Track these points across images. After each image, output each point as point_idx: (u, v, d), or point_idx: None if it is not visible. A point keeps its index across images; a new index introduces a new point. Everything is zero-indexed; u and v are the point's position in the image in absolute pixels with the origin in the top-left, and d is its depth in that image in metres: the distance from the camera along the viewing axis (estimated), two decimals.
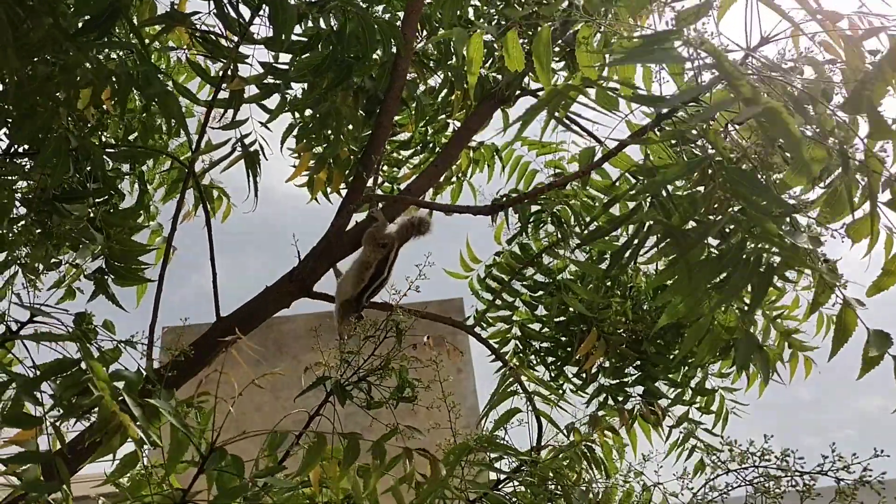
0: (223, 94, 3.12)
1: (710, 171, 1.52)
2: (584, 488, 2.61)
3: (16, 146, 2.96)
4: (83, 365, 1.89)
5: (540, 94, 3.68)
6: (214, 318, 3.13)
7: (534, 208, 3.66)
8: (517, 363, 3.54)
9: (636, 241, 1.67)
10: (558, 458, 2.81)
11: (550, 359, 3.71)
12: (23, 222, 2.88)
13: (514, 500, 2.66)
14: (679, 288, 1.81)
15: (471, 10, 3.65)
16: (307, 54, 2.99)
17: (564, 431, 2.79)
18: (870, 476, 2.12)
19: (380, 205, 3.31)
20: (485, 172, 4.16)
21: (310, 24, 2.98)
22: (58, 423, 1.97)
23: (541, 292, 3.72)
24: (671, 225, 1.58)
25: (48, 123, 2.55)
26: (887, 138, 1.60)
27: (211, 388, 2.43)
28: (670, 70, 1.85)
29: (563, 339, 3.65)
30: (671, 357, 3.43)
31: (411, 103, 3.61)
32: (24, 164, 2.96)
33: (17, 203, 2.86)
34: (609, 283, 3.45)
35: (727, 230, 1.60)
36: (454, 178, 4.12)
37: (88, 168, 2.90)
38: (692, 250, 1.58)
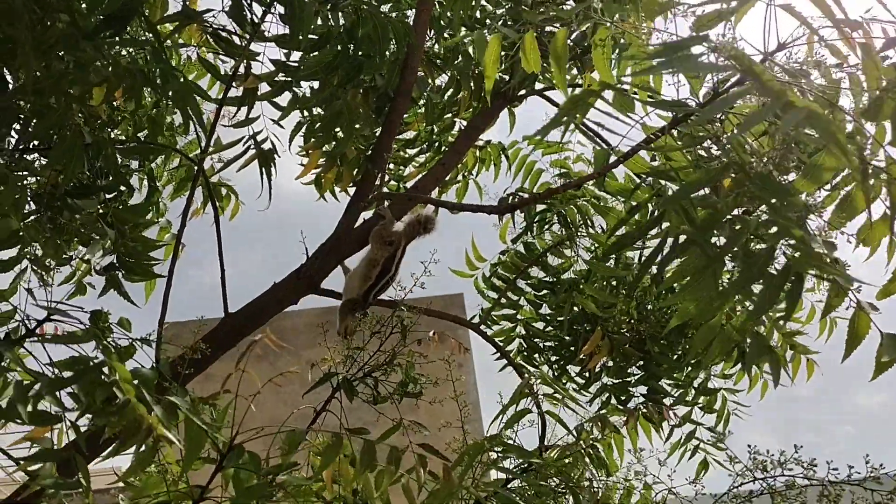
0: (233, 92, 3.14)
1: (732, 177, 1.54)
2: (593, 489, 2.63)
3: (26, 143, 2.96)
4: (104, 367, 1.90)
5: (546, 94, 3.71)
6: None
7: (539, 208, 3.69)
8: (523, 363, 3.58)
9: (664, 252, 1.68)
10: (562, 458, 2.84)
11: (554, 357, 3.74)
12: (33, 218, 2.88)
13: (519, 499, 2.68)
14: (692, 290, 1.84)
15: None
16: (317, 52, 3.01)
17: (574, 433, 2.81)
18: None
19: (386, 202, 3.33)
20: (490, 171, 4.17)
21: (319, 21, 2.99)
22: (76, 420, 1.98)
23: (545, 291, 3.75)
24: (698, 235, 1.60)
25: (61, 120, 2.56)
26: None
27: (218, 385, 2.45)
28: (687, 74, 1.87)
29: (567, 338, 3.68)
30: (675, 357, 3.45)
31: (421, 101, 3.62)
32: (34, 160, 2.97)
33: (28, 199, 2.87)
34: (615, 283, 3.48)
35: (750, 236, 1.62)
36: (460, 177, 4.14)
37: (99, 164, 2.91)
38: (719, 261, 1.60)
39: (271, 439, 2.26)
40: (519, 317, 3.80)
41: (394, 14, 3.46)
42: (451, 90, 3.73)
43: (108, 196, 3.09)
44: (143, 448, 1.84)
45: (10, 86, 2.72)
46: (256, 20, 2.88)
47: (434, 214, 3.32)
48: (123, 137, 3.34)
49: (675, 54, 1.43)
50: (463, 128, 3.83)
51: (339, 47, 2.99)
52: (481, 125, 3.71)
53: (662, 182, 2.00)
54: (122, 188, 3.12)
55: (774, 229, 1.71)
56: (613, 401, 3.54)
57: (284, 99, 3.21)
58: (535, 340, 3.76)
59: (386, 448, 2.35)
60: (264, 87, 3.16)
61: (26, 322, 2.40)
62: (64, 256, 2.97)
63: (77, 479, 1.96)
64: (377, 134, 3.43)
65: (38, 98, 2.45)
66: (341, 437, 2.20)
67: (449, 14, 3.32)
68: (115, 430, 1.91)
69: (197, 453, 2.08)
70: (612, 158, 2.13)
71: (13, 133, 2.88)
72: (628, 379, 3.58)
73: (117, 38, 2.43)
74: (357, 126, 3.28)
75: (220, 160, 3.47)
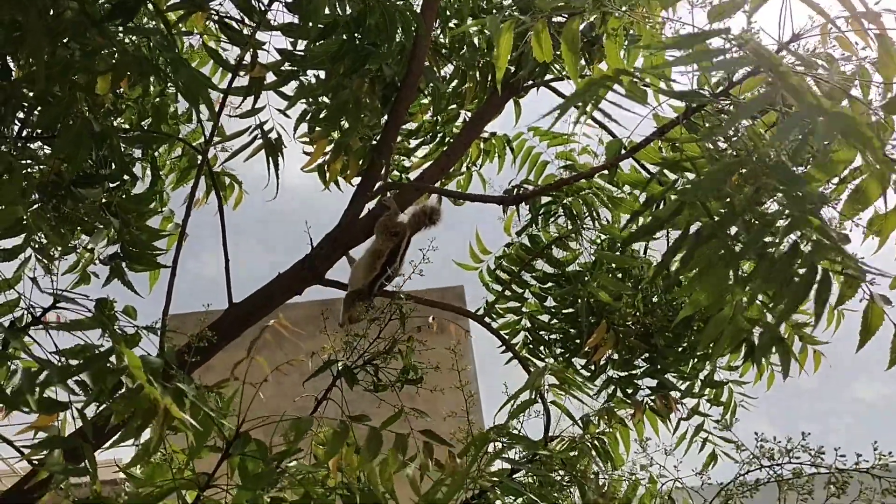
0: (238, 81, 3.12)
1: (748, 171, 1.53)
2: (599, 481, 2.63)
3: (29, 131, 2.95)
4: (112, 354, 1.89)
5: (553, 84, 3.70)
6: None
7: (543, 200, 3.68)
8: (528, 356, 3.57)
9: (684, 247, 1.67)
10: (567, 449, 2.84)
11: (559, 350, 3.74)
12: (37, 206, 2.87)
13: (524, 490, 2.68)
14: (704, 281, 1.83)
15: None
16: (322, 41, 2.99)
17: (580, 423, 2.81)
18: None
19: (389, 193, 3.32)
20: (495, 163, 4.16)
21: (326, 10, 2.98)
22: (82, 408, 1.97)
23: (550, 284, 3.74)
24: (718, 230, 1.59)
25: (67, 109, 2.54)
26: None
27: (222, 374, 2.44)
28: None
29: (573, 330, 3.67)
30: (681, 349, 3.45)
31: (427, 91, 3.60)
32: (37, 149, 2.96)
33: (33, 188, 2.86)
34: (621, 275, 3.48)
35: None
36: (464, 168, 4.13)
37: (103, 153, 2.89)
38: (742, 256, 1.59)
39: (272, 429, 2.25)
40: (524, 309, 3.79)
41: (401, 3, 3.45)
42: (457, 80, 3.71)
43: (111, 185, 3.08)
44: (155, 435, 1.83)
45: (13, 73, 2.71)
46: (263, 8, 2.87)
47: (439, 205, 3.31)
48: (127, 126, 3.32)
49: (694, 46, 1.41)
50: (468, 119, 3.81)
51: (346, 36, 2.98)
52: (486, 116, 3.69)
53: (669, 174, 1.99)
54: (126, 177, 3.11)
55: (784, 221, 1.70)
56: (619, 394, 3.53)
57: (290, 88, 3.20)
58: (541, 333, 3.75)
59: (388, 436, 2.35)
60: (269, 77, 3.14)
61: (31, 310, 2.39)
62: (69, 245, 2.96)
63: (84, 466, 1.96)
64: (383, 124, 3.41)
65: (45, 86, 2.43)
66: (347, 425, 2.19)
67: (456, 4, 3.30)
68: (123, 419, 1.91)
69: (205, 441, 2.07)
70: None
71: (16, 121, 2.86)
72: (634, 372, 3.57)
73: (128, 26, 2.42)
74: (363, 116, 3.26)
75: (225, 150, 3.45)
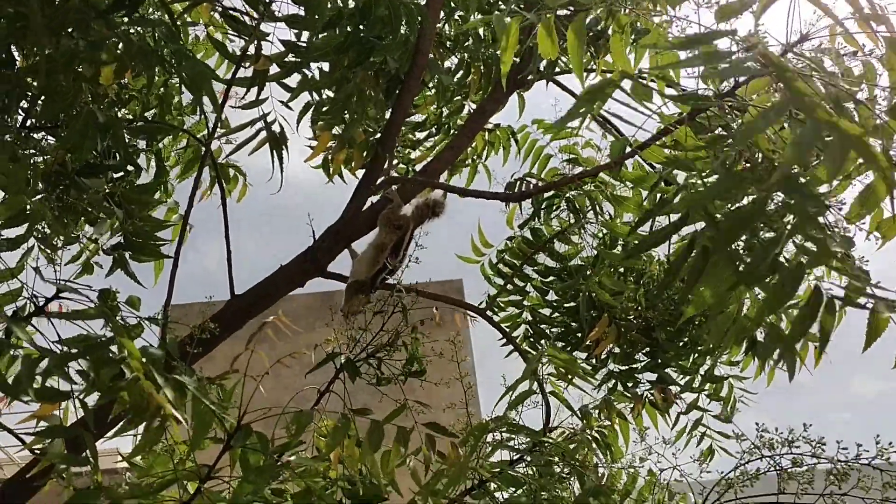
0: (242, 72, 3.11)
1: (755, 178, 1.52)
2: (599, 472, 2.64)
3: (33, 121, 2.95)
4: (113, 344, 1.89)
5: (557, 78, 3.69)
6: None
7: (546, 193, 3.67)
8: (529, 349, 3.58)
9: (691, 260, 1.67)
10: (567, 441, 2.85)
11: (560, 344, 3.74)
12: (41, 196, 2.87)
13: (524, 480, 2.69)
14: (708, 279, 1.83)
15: None
16: (327, 33, 2.99)
17: (579, 414, 2.82)
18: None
19: (393, 186, 3.32)
20: (499, 155, 4.15)
21: (331, 2, 2.97)
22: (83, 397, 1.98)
23: (552, 278, 3.75)
24: (726, 245, 1.58)
25: (72, 100, 2.54)
26: None
27: (224, 366, 2.45)
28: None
29: (574, 324, 3.67)
30: (682, 344, 3.45)
31: (431, 84, 3.59)
32: (41, 139, 2.96)
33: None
34: (623, 270, 3.48)
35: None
36: (469, 161, 4.12)
37: (107, 143, 2.89)
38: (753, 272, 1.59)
39: (273, 422, 2.26)
40: (525, 303, 3.80)
41: None
42: (461, 73, 3.70)
43: (115, 175, 3.08)
44: (150, 427, 1.83)
45: (18, 64, 2.71)
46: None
47: (443, 198, 3.31)
48: (131, 117, 3.32)
49: (700, 48, 1.40)
50: (472, 111, 3.81)
51: (351, 28, 2.97)
52: (491, 108, 3.68)
53: (674, 172, 1.98)
54: (130, 168, 3.11)
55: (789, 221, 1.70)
56: (620, 387, 3.54)
57: (294, 80, 3.19)
58: (542, 327, 3.75)
59: (390, 429, 2.36)
60: (273, 68, 3.13)
61: (34, 300, 2.39)
62: (72, 235, 2.96)
63: (86, 456, 1.96)
64: (387, 116, 3.40)
65: (49, 77, 2.43)
66: (349, 418, 2.20)
67: None
68: (123, 409, 1.91)
69: (205, 433, 2.08)
70: (628, 148, 2.11)
71: (20, 112, 2.86)
72: (635, 366, 3.58)
73: (130, 17, 2.41)
74: (367, 109, 3.26)
75: (230, 141, 3.45)
